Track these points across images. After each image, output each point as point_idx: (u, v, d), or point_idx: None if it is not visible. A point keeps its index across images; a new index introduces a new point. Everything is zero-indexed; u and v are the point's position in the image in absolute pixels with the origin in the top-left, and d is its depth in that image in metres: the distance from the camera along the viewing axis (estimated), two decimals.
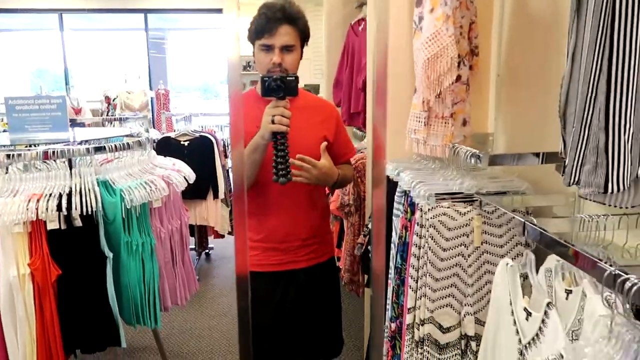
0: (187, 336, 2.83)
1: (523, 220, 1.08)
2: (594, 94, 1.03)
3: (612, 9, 0.96)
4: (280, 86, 1.39)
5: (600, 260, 0.81)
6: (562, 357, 0.82)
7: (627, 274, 0.75)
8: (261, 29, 1.52)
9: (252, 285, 1.63)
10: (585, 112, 1.06)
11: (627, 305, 0.76)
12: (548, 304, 1.03)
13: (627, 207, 1.02)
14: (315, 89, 4.65)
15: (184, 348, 2.71)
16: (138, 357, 2.62)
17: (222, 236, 3.81)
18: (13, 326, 1.69)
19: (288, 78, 1.41)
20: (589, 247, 1.09)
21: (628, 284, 0.73)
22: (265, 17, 1.52)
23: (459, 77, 1.61)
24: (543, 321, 1.04)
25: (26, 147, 2.11)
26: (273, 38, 1.52)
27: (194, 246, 4.02)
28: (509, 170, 1.66)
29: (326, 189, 1.84)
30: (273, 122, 1.41)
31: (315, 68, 4.94)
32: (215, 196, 3.67)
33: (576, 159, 1.08)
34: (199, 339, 2.81)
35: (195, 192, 3.40)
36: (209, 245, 4.17)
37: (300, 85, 1.61)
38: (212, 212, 3.71)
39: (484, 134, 1.85)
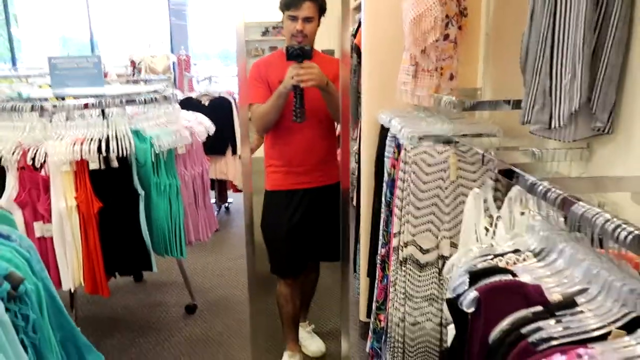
0: (209, 274, 3.16)
1: (482, 152, 1.30)
2: (543, 47, 1.25)
3: None
4: (299, 54, 1.84)
5: (527, 174, 1.04)
6: (492, 245, 1.06)
7: (541, 182, 0.98)
8: (289, 2, 1.94)
9: (274, 199, 2.07)
10: (536, 62, 1.27)
11: (543, 207, 1.00)
12: (497, 218, 1.27)
13: (569, 141, 1.24)
14: (331, 53, 4.89)
15: (206, 283, 3.04)
16: (166, 290, 2.95)
17: (241, 190, 4.09)
18: (63, 250, 2.00)
19: (305, 48, 1.86)
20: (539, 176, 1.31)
21: (540, 188, 0.96)
22: None
23: (447, 36, 1.82)
24: (494, 232, 1.28)
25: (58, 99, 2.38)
26: (298, 10, 1.93)
27: (214, 200, 4.32)
28: (492, 119, 1.87)
29: (335, 129, 2.15)
30: (293, 78, 1.83)
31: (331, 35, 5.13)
32: (234, 152, 3.94)
33: (529, 101, 1.30)
34: (220, 277, 3.13)
35: (215, 148, 3.67)
36: (228, 200, 4.47)
37: (321, 49, 2.12)
38: (231, 167, 3.99)
39: (472, 88, 2.05)
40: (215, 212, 4.25)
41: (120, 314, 2.70)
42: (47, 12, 9.49)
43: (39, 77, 5.47)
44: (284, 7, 1.97)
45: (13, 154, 1.95)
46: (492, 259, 0.97)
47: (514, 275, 0.89)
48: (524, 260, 0.95)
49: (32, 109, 2.05)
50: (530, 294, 0.80)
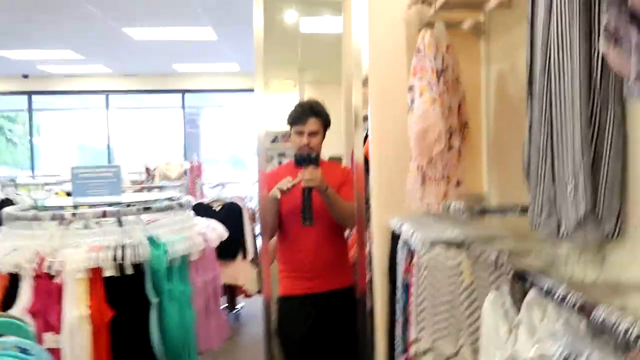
0: None
1: (494, 256, 1.32)
2: (544, 157, 1.31)
3: (550, 93, 1.25)
4: (306, 160, 2.01)
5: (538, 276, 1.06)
6: (515, 352, 1.04)
7: (557, 286, 0.99)
8: (295, 118, 2.13)
9: (284, 306, 2.07)
10: (539, 171, 1.33)
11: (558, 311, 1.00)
12: (517, 323, 1.26)
13: (580, 246, 1.27)
14: (338, 159, 5.11)
15: None
16: None
17: (251, 296, 4.04)
18: None
19: (311, 155, 2.04)
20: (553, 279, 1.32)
21: (557, 293, 0.98)
22: (299, 111, 2.14)
23: (451, 147, 1.92)
24: (516, 338, 1.26)
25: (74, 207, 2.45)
26: (303, 126, 2.11)
27: (224, 305, 4.25)
28: (501, 223, 1.91)
29: (344, 234, 2.20)
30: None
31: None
32: (244, 257, 3.95)
33: (536, 208, 1.35)
34: None
35: (225, 253, 3.69)
36: (238, 305, 4.39)
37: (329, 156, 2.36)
38: (242, 272, 3.98)
39: (478, 193, 2.12)
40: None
41: None
42: (66, 122, 10.03)
43: (55, 184, 5.66)
44: (291, 122, 2.15)
45: (31, 263, 1.98)
46: None
47: None
48: None
49: (52, 217, 2.12)
50: None
